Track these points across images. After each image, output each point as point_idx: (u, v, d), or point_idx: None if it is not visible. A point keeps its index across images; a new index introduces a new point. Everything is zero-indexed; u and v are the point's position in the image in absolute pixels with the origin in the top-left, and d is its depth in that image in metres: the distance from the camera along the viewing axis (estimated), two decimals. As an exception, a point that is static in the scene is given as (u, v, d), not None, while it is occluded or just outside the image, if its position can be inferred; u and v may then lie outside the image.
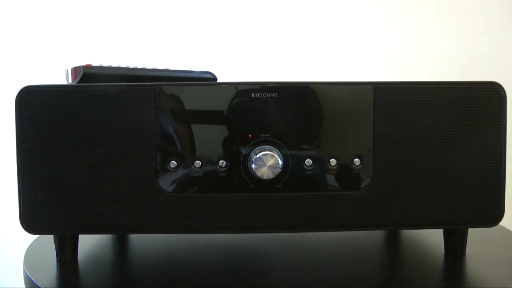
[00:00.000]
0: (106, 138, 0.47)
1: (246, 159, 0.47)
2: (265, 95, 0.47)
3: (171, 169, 0.47)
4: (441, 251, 0.53)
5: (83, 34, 0.96)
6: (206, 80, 0.60)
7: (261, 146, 0.47)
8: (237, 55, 0.96)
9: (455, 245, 0.52)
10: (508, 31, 0.91)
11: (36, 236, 0.63)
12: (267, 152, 0.46)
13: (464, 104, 0.48)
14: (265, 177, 0.46)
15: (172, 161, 0.47)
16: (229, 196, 0.47)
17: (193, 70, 0.59)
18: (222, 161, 0.47)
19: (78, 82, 0.52)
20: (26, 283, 0.50)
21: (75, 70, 0.52)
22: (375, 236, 0.61)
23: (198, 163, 0.47)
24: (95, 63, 0.53)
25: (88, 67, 0.52)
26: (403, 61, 0.92)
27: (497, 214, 0.49)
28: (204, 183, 0.47)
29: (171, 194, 0.47)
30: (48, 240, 0.60)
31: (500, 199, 0.48)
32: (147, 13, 0.97)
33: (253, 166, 0.46)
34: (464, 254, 0.52)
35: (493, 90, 0.48)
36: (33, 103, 0.47)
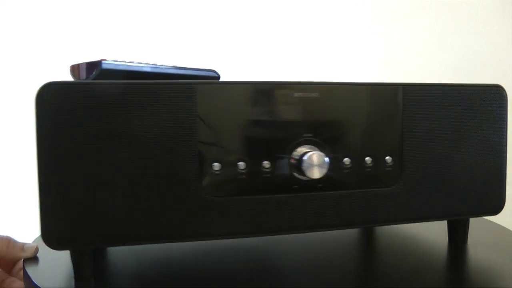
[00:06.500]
0: (142, 141, 0.43)
1: (291, 159, 0.47)
2: (307, 95, 0.47)
3: (215, 172, 0.45)
4: (442, 240, 0.57)
5: (82, 31, 0.88)
6: (211, 78, 0.57)
7: (304, 146, 0.47)
8: (234, 54, 0.93)
9: (459, 234, 0.57)
10: (508, 31, 0.94)
11: (36, 236, 0.60)
12: (315, 151, 0.46)
13: (474, 105, 0.52)
14: (315, 176, 0.46)
15: (215, 163, 0.45)
16: (273, 197, 0.46)
17: (200, 68, 0.57)
18: (266, 161, 0.46)
19: (95, 78, 0.47)
20: (26, 283, 0.48)
21: (91, 65, 0.47)
22: (379, 231, 0.64)
23: (242, 164, 0.46)
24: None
25: (108, 62, 0.47)
26: (403, 61, 0.94)
27: (500, 203, 0.54)
28: (249, 185, 0.46)
29: (215, 198, 0.45)
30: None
31: (502, 190, 0.54)
32: (147, 11, 0.91)
33: (303, 165, 0.45)
34: (466, 242, 0.57)
35: (497, 92, 0.53)
36: (57, 100, 0.41)
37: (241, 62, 0.94)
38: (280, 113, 0.47)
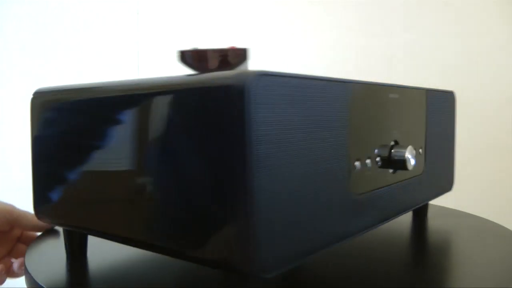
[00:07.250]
0: (312, 140, 0.40)
1: (389, 153, 0.51)
2: (395, 96, 0.52)
3: (356, 170, 0.45)
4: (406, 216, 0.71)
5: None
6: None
7: (393, 141, 0.52)
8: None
9: (422, 209, 0.71)
10: (508, 31, 0.92)
11: (38, 233, 0.62)
12: (410, 146, 0.51)
13: (444, 105, 0.67)
14: (410, 167, 0.51)
15: (356, 162, 0.45)
16: (387, 189, 0.50)
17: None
18: (378, 157, 0.49)
19: (236, 68, 0.40)
20: (28, 282, 0.47)
21: (235, 53, 0.39)
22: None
23: (369, 162, 0.47)
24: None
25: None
26: (403, 61, 0.94)
27: (453, 181, 0.71)
28: (372, 181, 0.48)
29: (357, 196, 0.45)
30: (50, 238, 0.60)
31: (454, 170, 0.71)
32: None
33: (405, 158, 0.50)
34: (427, 215, 0.71)
35: (452, 96, 0.70)
36: (271, 92, 0.35)
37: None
38: (386, 112, 0.50)
